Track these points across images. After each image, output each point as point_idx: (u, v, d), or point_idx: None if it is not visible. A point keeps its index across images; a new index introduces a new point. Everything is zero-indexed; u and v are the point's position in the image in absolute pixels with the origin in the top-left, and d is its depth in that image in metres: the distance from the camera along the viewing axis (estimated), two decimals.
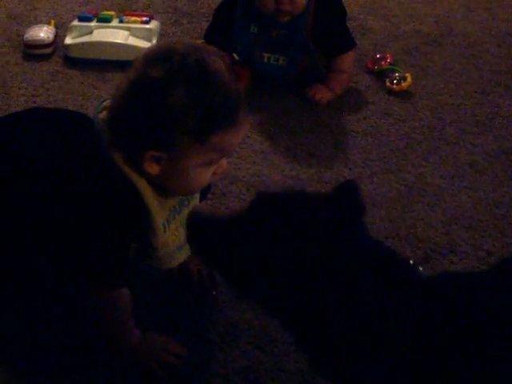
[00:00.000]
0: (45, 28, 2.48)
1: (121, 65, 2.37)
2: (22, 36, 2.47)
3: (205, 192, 1.54)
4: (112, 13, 2.52)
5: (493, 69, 2.47)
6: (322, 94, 2.25)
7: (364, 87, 2.34)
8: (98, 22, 2.47)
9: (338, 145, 2.08)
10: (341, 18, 2.29)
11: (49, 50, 2.44)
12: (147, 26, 2.46)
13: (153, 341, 1.47)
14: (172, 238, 1.41)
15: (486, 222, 1.83)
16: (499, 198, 1.91)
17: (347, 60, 2.29)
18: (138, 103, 1.27)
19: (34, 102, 2.19)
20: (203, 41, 2.38)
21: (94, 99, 2.22)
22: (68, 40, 2.42)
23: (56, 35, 2.48)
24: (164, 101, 1.24)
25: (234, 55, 2.32)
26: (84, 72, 2.36)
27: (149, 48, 1.34)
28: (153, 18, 2.52)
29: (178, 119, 1.24)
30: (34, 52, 2.42)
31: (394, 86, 2.31)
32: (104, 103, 1.37)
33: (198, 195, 1.49)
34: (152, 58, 1.28)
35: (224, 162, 1.36)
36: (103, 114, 1.35)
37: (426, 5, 2.87)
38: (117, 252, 1.34)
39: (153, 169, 1.30)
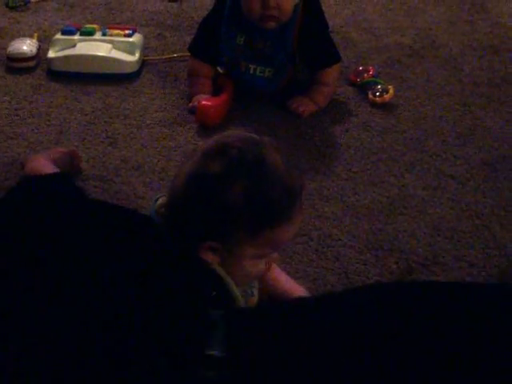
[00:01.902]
0: (28, 41, 2.48)
1: (104, 78, 2.38)
2: (5, 49, 2.47)
3: None
4: (95, 26, 2.53)
5: (474, 81, 2.49)
6: (305, 107, 2.25)
7: (346, 99, 2.35)
8: (80, 35, 2.47)
9: (321, 157, 2.09)
10: (325, 31, 2.30)
11: (32, 64, 2.43)
12: (130, 39, 2.47)
13: None
14: None
15: (469, 233, 1.84)
16: (481, 209, 1.92)
17: (332, 73, 2.30)
18: (195, 197, 1.29)
19: (17, 116, 2.19)
20: (187, 54, 2.39)
21: (78, 112, 2.22)
22: (51, 53, 2.42)
23: (39, 48, 2.48)
24: (221, 197, 1.26)
25: (218, 68, 2.33)
26: (67, 85, 2.36)
27: (206, 142, 1.36)
28: (136, 31, 2.53)
29: (234, 214, 1.26)
30: (16, 65, 2.42)
31: (377, 99, 2.32)
32: (159, 201, 1.39)
33: (257, 283, 1.47)
34: (210, 152, 1.30)
35: (276, 255, 1.39)
36: (161, 210, 1.37)
37: (408, 18, 2.89)
38: None
39: (210, 258, 1.31)
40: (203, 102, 2.18)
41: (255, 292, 1.45)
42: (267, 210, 1.27)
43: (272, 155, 1.30)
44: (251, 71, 2.25)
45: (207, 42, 2.28)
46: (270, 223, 1.28)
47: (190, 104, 2.24)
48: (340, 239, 1.78)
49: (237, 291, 1.34)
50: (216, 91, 2.28)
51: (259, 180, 1.27)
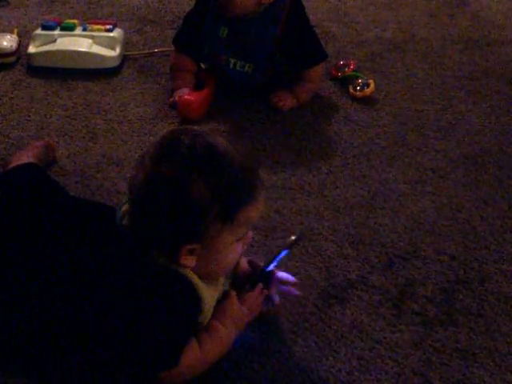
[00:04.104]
0: (8, 37, 2.46)
1: (85, 73, 2.37)
2: None
3: None
4: (75, 21, 2.51)
5: (455, 74, 2.50)
6: (285, 101, 2.25)
7: (327, 94, 2.36)
8: (61, 30, 2.46)
9: (302, 151, 2.09)
10: (311, 29, 2.29)
11: (12, 59, 2.42)
12: (111, 34, 2.46)
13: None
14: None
15: (449, 226, 1.84)
16: (462, 202, 1.92)
17: (317, 70, 2.30)
18: (158, 205, 1.26)
19: None
20: (168, 48, 2.38)
21: (58, 108, 2.21)
22: (31, 49, 2.41)
23: (19, 44, 2.47)
24: (185, 198, 1.24)
25: (201, 63, 2.32)
26: (48, 81, 2.35)
27: (152, 143, 1.33)
28: (116, 26, 2.52)
29: (204, 211, 1.25)
30: None
31: (358, 93, 2.32)
32: (123, 208, 1.36)
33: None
34: (158, 154, 1.27)
35: (250, 233, 1.38)
36: (125, 220, 1.35)
37: (389, 11, 2.89)
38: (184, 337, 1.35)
39: (189, 261, 1.30)
40: (185, 97, 2.17)
41: (227, 282, 1.47)
42: (233, 195, 1.26)
43: (220, 142, 1.28)
44: (231, 65, 2.25)
45: (191, 35, 2.26)
46: (240, 206, 1.28)
47: (172, 98, 2.23)
48: (321, 233, 1.79)
49: (206, 293, 1.34)
50: (198, 86, 2.28)
51: (216, 170, 1.25)
